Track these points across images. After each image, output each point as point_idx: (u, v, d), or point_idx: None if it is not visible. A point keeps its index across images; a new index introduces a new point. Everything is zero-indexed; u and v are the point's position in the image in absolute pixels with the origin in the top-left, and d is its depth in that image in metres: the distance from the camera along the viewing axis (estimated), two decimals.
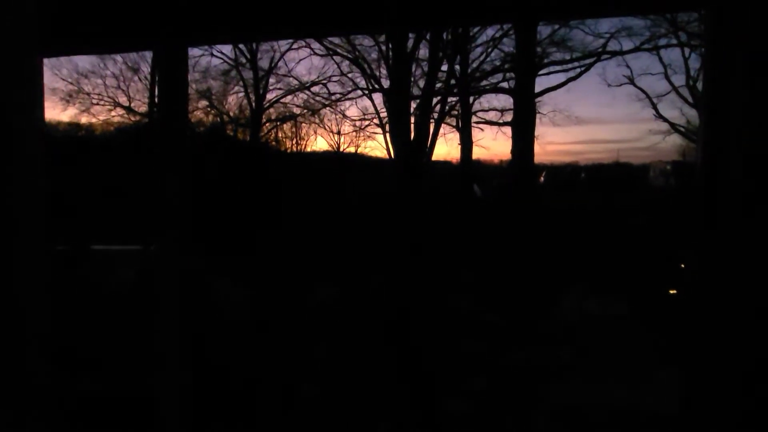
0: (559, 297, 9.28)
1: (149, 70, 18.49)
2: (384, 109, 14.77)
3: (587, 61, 15.13)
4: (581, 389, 6.36)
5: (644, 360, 7.11)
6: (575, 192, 19.81)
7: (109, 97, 19.59)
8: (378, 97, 15.79)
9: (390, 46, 13.23)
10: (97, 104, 19.53)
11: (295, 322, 7.54)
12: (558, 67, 15.52)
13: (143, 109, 19.04)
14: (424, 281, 9.50)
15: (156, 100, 2.87)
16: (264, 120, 20.98)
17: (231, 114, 20.69)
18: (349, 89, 16.51)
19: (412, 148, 12.52)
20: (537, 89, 14.66)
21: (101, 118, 19.53)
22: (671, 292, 9.35)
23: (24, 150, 1.31)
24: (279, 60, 19.84)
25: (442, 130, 16.12)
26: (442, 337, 7.24)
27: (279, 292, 8.52)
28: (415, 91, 13.81)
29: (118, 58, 19.44)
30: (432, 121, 14.53)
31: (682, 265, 10.44)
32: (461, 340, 7.21)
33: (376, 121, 19.77)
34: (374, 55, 14.96)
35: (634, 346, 7.42)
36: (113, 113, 19.74)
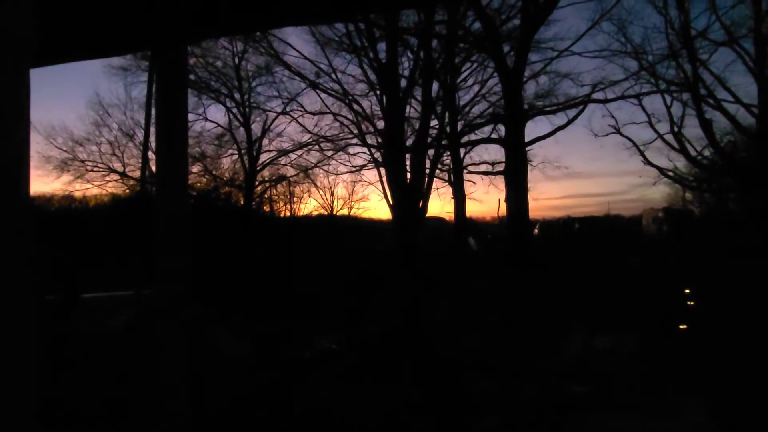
0: (567, 336, 9.02)
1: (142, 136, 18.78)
2: (379, 154, 14.94)
3: (574, 111, 15.54)
4: (597, 422, 6.04)
5: (656, 395, 6.82)
6: (571, 242, 19.83)
7: (103, 163, 19.80)
8: (372, 143, 15.99)
9: (383, 97, 13.58)
10: (92, 170, 19.71)
11: (293, 373, 7.22)
12: (545, 117, 15.95)
13: (137, 174, 19.18)
14: (426, 326, 9.24)
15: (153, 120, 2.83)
16: (258, 182, 21.18)
17: (225, 176, 20.88)
18: (342, 143, 16.75)
19: (408, 197, 12.55)
20: (526, 139, 14.93)
21: (96, 184, 19.62)
22: (681, 327, 9.13)
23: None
24: (271, 123, 20.31)
25: (434, 185, 16.31)
26: (455, 378, 6.93)
27: (276, 345, 8.21)
28: (408, 143, 14.05)
29: (114, 124, 19.81)
30: (425, 176, 14.68)
31: (691, 303, 10.30)
32: (474, 380, 6.90)
33: (370, 173, 19.87)
34: (365, 103, 15.37)
35: (645, 381, 7.14)
36: (108, 179, 19.87)
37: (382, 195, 13.99)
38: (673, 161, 17.25)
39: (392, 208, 13.41)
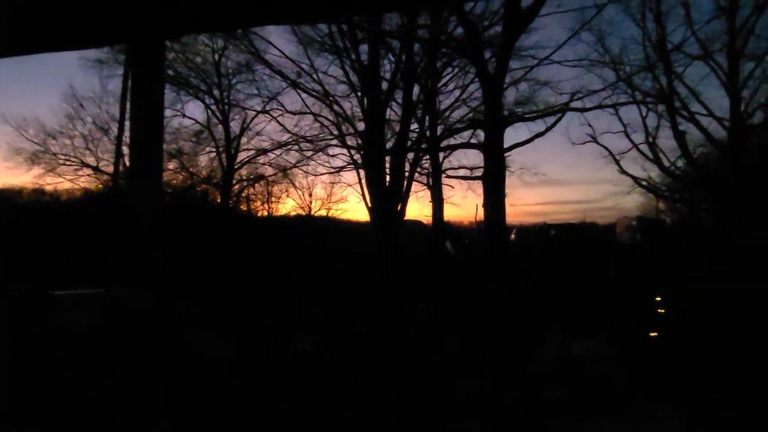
0: (544, 342, 9.10)
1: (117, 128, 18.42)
2: (359, 156, 14.89)
3: (552, 119, 15.72)
4: (575, 427, 6.10)
5: (630, 400, 6.92)
6: (547, 248, 20.04)
7: (75, 157, 19.34)
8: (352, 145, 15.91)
9: (364, 100, 13.55)
10: (64, 164, 19.24)
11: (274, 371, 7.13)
12: (524, 124, 16.12)
13: (111, 169, 18.78)
14: (406, 329, 9.23)
15: (128, 113, 2.73)
16: (235, 180, 20.95)
17: (202, 174, 20.60)
18: (322, 144, 16.65)
19: (387, 199, 12.54)
20: (505, 145, 15.05)
21: (68, 178, 19.16)
22: (652, 334, 9.30)
23: None
24: (251, 121, 20.11)
25: (413, 188, 16.33)
26: (435, 382, 6.92)
27: (257, 346, 8.10)
28: (388, 145, 14.04)
29: (88, 118, 19.37)
30: (404, 179, 14.69)
31: (661, 310, 10.49)
32: (453, 385, 6.90)
33: (349, 176, 19.80)
34: (346, 105, 15.30)
35: (620, 387, 7.24)
36: (80, 173, 19.42)
37: (361, 197, 13.96)
38: (648, 171, 17.55)
39: (371, 210, 13.38)
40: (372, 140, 12.53)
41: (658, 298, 10.97)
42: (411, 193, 15.39)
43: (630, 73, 15.42)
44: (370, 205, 13.41)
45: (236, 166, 20.88)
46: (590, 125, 19.93)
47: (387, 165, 13.29)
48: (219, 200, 19.99)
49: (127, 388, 2.59)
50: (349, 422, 5.81)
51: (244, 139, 20.66)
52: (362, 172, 13.94)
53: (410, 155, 14.71)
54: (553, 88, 21.32)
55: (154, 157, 2.61)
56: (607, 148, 17.41)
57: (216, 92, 19.86)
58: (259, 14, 2.58)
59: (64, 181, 19.33)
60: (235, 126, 20.51)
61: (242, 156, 20.80)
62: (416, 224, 21.43)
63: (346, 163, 17.53)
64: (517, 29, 13.84)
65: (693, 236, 17.11)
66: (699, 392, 6.64)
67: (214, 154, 20.70)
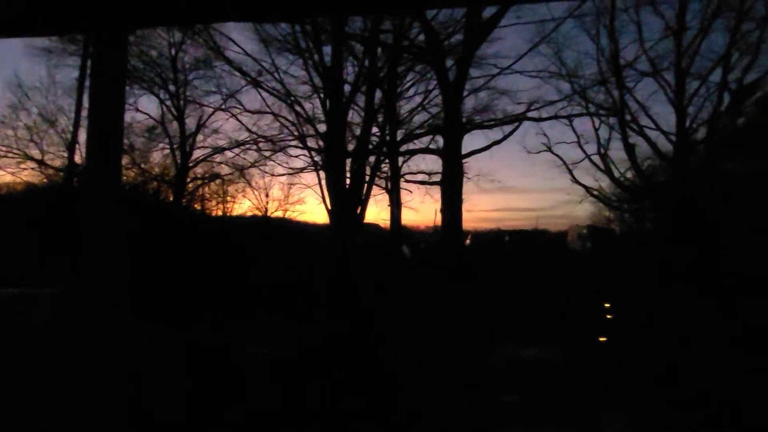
0: (497, 346, 9.26)
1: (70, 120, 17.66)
2: (319, 158, 14.78)
3: (510, 127, 16.10)
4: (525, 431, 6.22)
5: (581, 403, 7.12)
6: (501, 254, 20.44)
7: (19, 149, 18.37)
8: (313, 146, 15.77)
9: (327, 100, 13.48)
10: (5, 156, 18.23)
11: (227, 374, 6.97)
12: (482, 132, 16.43)
13: (57, 163, 17.98)
14: (362, 333, 9.21)
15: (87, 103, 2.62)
16: (189, 178, 20.41)
17: (155, 171, 19.98)
18: (281, 144, 16.45)
19: (347, 202, 12.51)
20: (463, 151, 15.29)
21: (9, 171, 18.19)
22: (601, 339, 9.62)
23: None
24: (208, 119, 19.65)
25: (372, 191, 16.33)
26: (384, 386, 6.92)
27: (209, 349, 7.90)
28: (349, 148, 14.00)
29: (33, 108, 18.46)
30: (365, 183, 14.68)
31: (609, 316, 10.87)
32: (406, 388, 6.92)
33: (308, 178, 19.60)
34: (308, 106, 15.18)
35: (571, 390, 7.44)
36: (23, 166, 18.46)
37: (321, 199, 13.86)
38: (599, 181, 18.13)
39: (330, 212, 13.31)
40: (333, 143, 12.48)
41: (607, 304, 11.38)
42: (370, 197, 15.42)
43: (584, 86, 15.97)
44: (329, 207, 13.34)
45: (191, 164, 20.37)
46: (545, 135, 20.54)
47: (348, 168, 13.26)
48: (172, 198, 19.43)
49: (72, 392, 2.48)
50: (306, 424, 5.74)
51: (200, 137, 20.19)
52: (322, 174, 13.86)
53: (371, 159, 14.73)
54: (511, 97, 21.82)
55: (113, 152, 2.51)
56: (561, 158, 17.94)
57: (171, 87, 19.33)
58: (226, 8, 2.53)
59: (5, 174, 18.36)
60: (190, 123, 20.01)
61: (198, 154, 20.31)
62: (374, 227, 21.45)
63: (306, 165, 17.41)
64: (477, 38, 14.12)
65: (638, 245, 17.81)
66: (646, 395, 6.90)
67: (167, 151, 20.12)
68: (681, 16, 14.94)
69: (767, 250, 10.86)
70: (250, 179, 21.52)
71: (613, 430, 6.47)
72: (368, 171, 14.50)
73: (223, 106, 18.06)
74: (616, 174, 16.85)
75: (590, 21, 15.83)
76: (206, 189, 21.98)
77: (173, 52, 18.60)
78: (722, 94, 14.65)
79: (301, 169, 17.86)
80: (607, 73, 15.57)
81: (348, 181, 13.13)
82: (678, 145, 15.22)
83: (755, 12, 14.02)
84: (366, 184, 13.78)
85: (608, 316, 10.87)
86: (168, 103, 19.49)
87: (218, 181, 21.82)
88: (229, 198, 22.63)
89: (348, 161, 13.32)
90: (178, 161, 19.83)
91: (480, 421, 6.43)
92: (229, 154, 19.98)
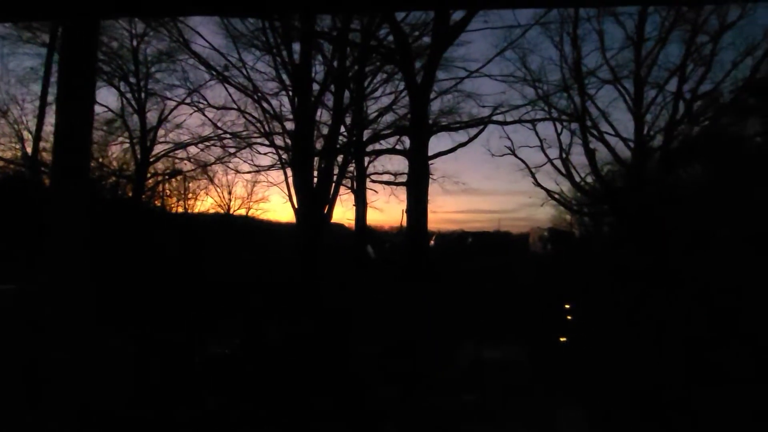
0: (460, 347, 9.38)
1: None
2: (287, 156, 14.62)
3: (475, 130, 16.32)
4: (486, 429, 6.33)
5: (541, 401, 7.27)
6: (464, 255, 20.69)
7: None
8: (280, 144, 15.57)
9: (295, 98, 13.36)
10: None
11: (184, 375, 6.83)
12: (448, 134, 16.60)
13: (8, 154, 17.20)
14: (328, 333, 9.16)
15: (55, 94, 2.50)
16: (150, 174, 19.86)
17: (113, 165, 19.35)
18: (247, 141, 16.20)
19: (315, 201, 12.43)
20: (429, 152, 15.40)
21: None
22: (562, 339, 9.86)
23: None
24: (170, 113, 19.17)
25: (339, 191, 16.26)
26: (348, 386, 6.91)
27: (169, 349, 7.73)
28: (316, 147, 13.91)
29: None
30: (332, 182, 14.60)
31: (569, 317, 11.15)
32: (371, 387, 6.94)
33: (273, 175, 19.37)
34: (275, 103, 14.99)
35: (532, 389, 7.61)
36: None
37: (287, 197, 13.71)
38: (560, 185, 18.51)
39: (297, 211, 13.19)
40: (301, 141, 12.37)
41: (567, 306, 11.66)
42: (338, 196, 15.37)
43: (548, 92, 16.32)
44: (296, 206, 13.23)
45: (151, 159, 19.80)
46: (509, 138, 20.81)
47: (315, 167, 13.18)
48: (131, 194, 18.86)
49: (24, 393, 2.39)
50: (269, 425, 5.69)
51: (161, 131, 19.63)
52: (290, 172, 13.74)
53: (339, 158, 14.67)
54: (476, 100, 22.05)
55: (82, 145, 2.43)
56: (524, 161, 18.24)
57: (132, 80, 18.76)
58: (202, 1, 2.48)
59: None
60: (152, 117, 19.45)
61: (159, 149, 19.76)
62: (339, 227, 21.37)
63: (273, 162, 17.18)
64: (445, 41, 14.24)
65: (597, 248, 18.32)
66: (603, 393, 7.11)
67: (127, 145, 19.51)
68: (641, 27, 15.47)
69: (716, 255, 11.33)
70: (213, 176, 21.12)
71: (570, 428, 6.63)
72: (336, 170, 14.44)
73: (187, 101, 17.65)
74: (577, 178, 17.27)
75: (554, 28, 16.20)
76: (167, 185, 21.46)
77: (135, 43, 18.07)
78: (678, 104, 15.23)
79: (269, 167, 17.60)
80: (569, 80, 15.96)
81: (315, 179, 13.04)
82: (636, 151, 15.72)
83: (709, 26, 14.64)
84: (333, 184, 13.72)
85: (568, 317, 11.15)
86: (128, 95, 18.92)
87: (180, 177, 21.33)
88: (190, 195, 22.15)
89: (315, 160, 13.23)
90: (138, 156, 19.25)
91: (443, 420, 6.50)
92: (192, 150, 19.52)
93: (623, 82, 15.95)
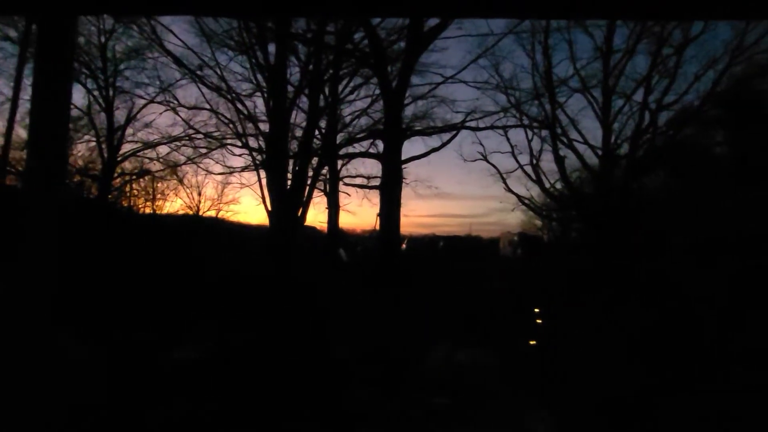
0: (431, 350, 9.42)
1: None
2: (260, 157, 14.49)
3: (448, 135, 16.49)
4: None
5: (511, 405, 7.38)
6: (436, 259, 20.85)
7: None
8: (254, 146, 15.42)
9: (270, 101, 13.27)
10: None
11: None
12: (421, 138, 16.73)
13: None
14: (301, 335, 9.10)
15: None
16: (117, 174, 19.44)
17: (79, 164, 18.87)
18: (219, 142, 16.00)
19: (289, 204, 12.36)
20: (403, 157, 15.51)
21: None
22: (531, 343, 10.01)
23: None
24: (139, 111, 18.82)
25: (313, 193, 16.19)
26: (321, 388, 6.88)
27: (137, 352, 7.56)
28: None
29: None
30: (306, 185, 14.54)
31: (539, 321, 11.33)
32: (343, 390, 6.92)
33: (245, 177, 19.13)
34: (249, 104, 14.86)
35: (502, 393, 7.70)
36: None
37: (261, 199, 13.60)
38: (530, 190, 18.89)
39: (271, 213, 13.10)
40: (276, 143, 12.29)
41: (537, 309, 11.86)
42: (312, 199, 15.32)
43: (520, 99, 16.62)
44: (270, 208, 13.13)
45: (119, 159, 19.41)
46: (482, 144, 21.20)
47: (289, 169, 13.13)
48: (95, 193, 18.44)
49: None
50: (240, 426, 5.62)
51: (129, 130, 19.27)
52: (263, 174, 13.63)
53: (314, 161, 14.64)
54: (449, 106, 22.34)
55: (58, 147, 2.38)
56: (495, 167, 18.53)
57: (100, 77, 18.35)
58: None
59: None
60: (120, 115, 19.07)
61: (127, 148, 19.38)
62: (311, 230, 21.29)
63: (246, 164, 17.03)
64: (420, 47, 14.38)
65: (564, 252, 18.70)
66: (573, 397, 7.25)
67: (93, 144, 19.07)
68: (609, 38, 15.92)
69: (675, 260, 11.73)
70: (183, 177, 20.80)
71: (540, 431, 6.74)
72: (310, 173, 14.42)
73: (157, 99, 17.35)
74: (547, 184, 17.62)
75: (527, 38, 16.53)
76: (135, 185, 21.06)
77: (103, 39, 17.70)
78: (644, 114, 15.69)
79: (242, 169, 17.45)
80: (541, 88, 16.30)
81: (289, 182, 12.99)
82: (603, 158, 16.13)
83: (673, 39, 15.15)
84: (308, 186, 13.68)
85: (538, 321, 11.34)
86: (96, 93, 18.50)
87: (148, 177, 20.95)
88: (159, 196, 21.76)
89: (290, 162, 13.18)
90: (105, 155, 18.84)
91: (416, 423, 6.52)
92: (162, 149, 19.20)
93: (592, 92, 16.39)
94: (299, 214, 13.59)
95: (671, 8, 1.48)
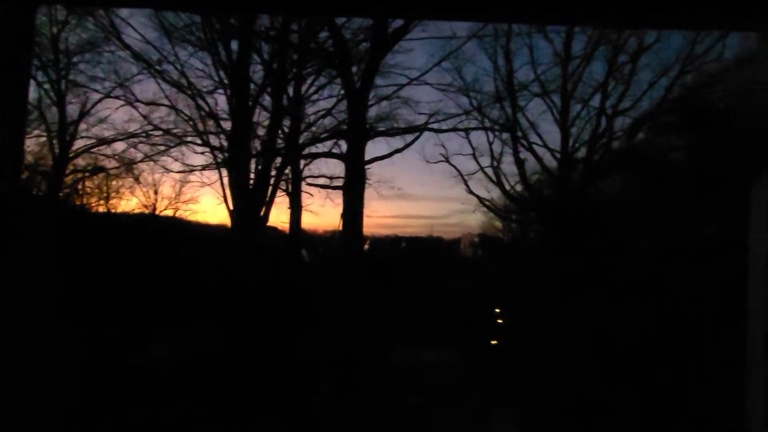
0: (397, 351, 9.46)
1: None
2: (221, 156, 14.22)
3: (411, 136, 16.58)
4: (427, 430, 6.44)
5: (475, 403, 7.49)
6: (398, 259, 20.94)
7: None
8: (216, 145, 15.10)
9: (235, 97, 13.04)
10: None
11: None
12: (384, 139, 16.78)
13: None
14: (263, 336, 8.98)
15: None
16: (69, 170, 18.68)
17: (28, 160, 18.02)
18: (179, 139, 15.58)
19: (252, 203, 12.17)
20: (366, 157, 15.49)
21: None
22: (493, 342, 10.19)
23: None
24: (93, 106, 18.13)
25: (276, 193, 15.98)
26: (285, 391, 6.81)
27: (101, 351, 7.31)
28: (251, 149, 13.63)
29: None
30: (270, 184, 14.33)
31: (500, 321, 11.55)
32: (310, 391, 6.87)
33: (206, 175, 18.72)
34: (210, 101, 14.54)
35: (467, 391, 7.81)
36: None
37: (222, 199, 13.33)
38: (491, 192, 19.15)
39: (233, 213, 12.87)
40: (238, 142, 12.08)
41: (498, 310, 12.07)
42: (275, 199, 15.12)
43: (481, 102, 16.86)
44: (232, 208, 12.89)
45: (71, 155, 18.66)
46: (444, 146, 21.36)
47: (252, 168, 12.92)
48: (47, 191, 17.68)
49: None
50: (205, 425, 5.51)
51: (83, 125, 18.54)
52: (224, 172, 13.37)
53: (278, 160, 14.45)
54: (412, 107, 22.41)
55: (16, 143, 2.26)
56: (457, 169, 18.71)
57: (52, 70, 17.60)
58: None
59: None
60: (72, 110, 18.33)
61: (79, 144, 18.64)
62: (272, 230, 21.03)
63: (207, 162, 16.63)
64: (384, 48, 14.41)
65: (523, 254, 19.09)
66: (534, 394, 7.41)
67: (44, 139, 18.26)
68: (567, 44, 16.34)
69: (632, 260, 12.13)
70: (139, 175, 20.14)
71: (504, 430, 6.86)
72: (274, 173, 14.22)
73: (113, 94, 16.76)
74: (507, 186, 17.93)
75: (489, 41, 16.79)
76: (88, 183, 20.27)
77: (55, 30, 16.97)
78: (600, 119, 16.19)
79: (203, 167, 17.00)
80: (502, 92, 16.58)
81: (252, 181, 12.78)
82: (562, 162, 16.55)
83: (629, 47, 15.70)
84: (271, 186, 13.49)
85: (499, 321, 11.55)
86: (47, 86, 17.72)
87: (102, 174, 20.21)
88: (114, 194, 21.03)
89: (252, 162, 12.97)
90: (56, 151, 18.08)
91: (384, 423, 6.54)
92: (117, 146, 18.55)
93: (551, 96, 16.77)
94: (262, 213, 13.41)
95: (623, 17, 1.52)
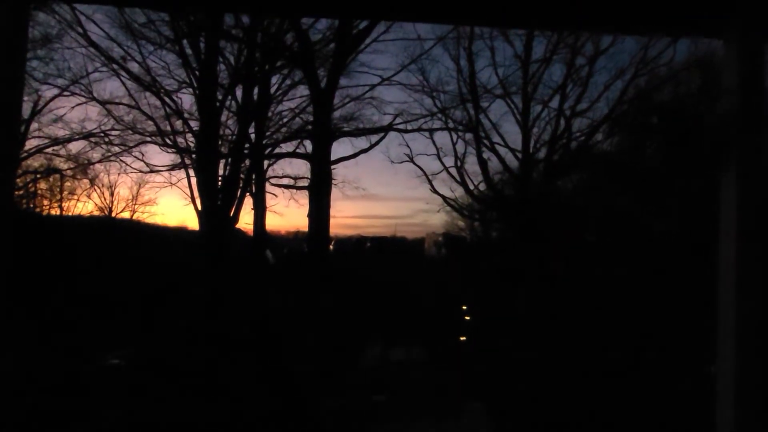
0: (366, 349, 9.54)
1: None
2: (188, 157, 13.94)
3: (376, 137, 16.65)
4: (395, 427, 6.55)
5: (444, 398, 7.65)
6: (363, 259, 21.01)
7: None
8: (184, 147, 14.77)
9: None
10: None
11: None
12: (349, 139, 16.81)
13: None
14: (235, 338, 8.90)
15: None
16: (21, 172, 17.89)
17: None
18: (140, 139, 15.19)
19: (220, 205, 11.99)
20: (332, 158, 15.46)
21: None
22: (461, 339, 10.39)
23: None
24: (46, 105, 17.43)
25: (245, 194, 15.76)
26: (254, 390, 6.80)
27: (55, 359, 7.10)
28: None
29: None
30: (239, 185, 14.13)
31: (467, 318, 11.77)
32: (281, 390, 6.86)
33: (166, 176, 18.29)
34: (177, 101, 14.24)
35: (435, 387, 7.96)
36: None
37: (190, 199, 13.08)
38: (455, 192, 19.39)
39: (201, 215, 12.65)
40: (206, 142, 11.88)
41: (464, 307, 12.29)
42: (244, 200, 14.93)
43: (445, 103, 17.10)
44: (199, 209, 12.68)
45: (23, 155, 17.89)
46: (408, 146, 21.55)
47: (220, 169, 12.75)
48: None
49: None
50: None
51: (35, 125, 17.79)
52: (191, 173, 13.13)
53: (247, 161, 14.27)
54: (378, 108, 22.47)
55: (8, 140, 2.24)
56: (421, 169, 18.89)
57: None
58: None
59: None
60: (24, 108, 17.58)
61: (32, 144, 17.88)
62: (237, 231, 20.74)
63: (173, 163, 16.22)
64: (349, 49, 14.43)
65: (485, 251, 19.47)
66: (501, 388, 7.63)
67: None
68: (528, 48, 16.74)
69: (586, 257, 12.57)
70: (95, 176, 19.50)
71: (473, 422, 7.03)
72: (243, 174, 14.06)
73: (67, 91, 16.15)
74: (471, 186, 18.22)
75: (452, 43, 17.03)
76: (41, 184, 19.50)
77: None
78: (560, 120, 16.67)
79: (170, 167, 16.56)
80: (465, 93, 16.86)
81: (220, 182, 12.61)
82: (523, 162, 16.95)
83: (586, 50, 16.23)
84: (240, 187, 13.33)
85: (466, 318, 11.77)
86: None
87: (55, 176, 19.48)
88: (67, 196, 20.30)
89: (221, 163, 12.80)
90: None
91: (355, 420, 6.61)
92: (73, 146, 17.88)
93: (513, 98, 17.15)
94: (231, 214, 13.24)
95: (589, 20, 1.62)
